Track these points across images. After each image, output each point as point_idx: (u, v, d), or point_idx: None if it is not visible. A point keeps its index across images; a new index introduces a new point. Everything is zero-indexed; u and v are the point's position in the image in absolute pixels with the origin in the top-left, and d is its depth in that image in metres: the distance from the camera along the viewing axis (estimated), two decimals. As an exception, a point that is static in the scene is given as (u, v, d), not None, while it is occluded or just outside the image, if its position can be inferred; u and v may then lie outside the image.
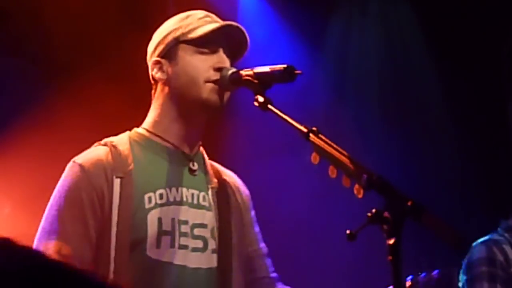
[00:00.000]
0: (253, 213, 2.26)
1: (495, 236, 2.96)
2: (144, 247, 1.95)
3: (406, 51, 4.95)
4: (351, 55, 5.02)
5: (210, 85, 2.04)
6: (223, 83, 2.04)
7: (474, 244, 2.93)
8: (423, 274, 1.76)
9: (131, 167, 2.01)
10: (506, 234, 2.95)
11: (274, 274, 2.26)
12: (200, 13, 2.16)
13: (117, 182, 1.97)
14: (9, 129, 4.27)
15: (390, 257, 1.45)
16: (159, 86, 2.13)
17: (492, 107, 4.56)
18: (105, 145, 2.05)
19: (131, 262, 1.93)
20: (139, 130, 2.13)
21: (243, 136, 4.52)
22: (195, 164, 2.11)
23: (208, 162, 2.19)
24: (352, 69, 4.98)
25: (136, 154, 2.05)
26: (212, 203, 2.09)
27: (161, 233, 1.97)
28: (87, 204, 1.95)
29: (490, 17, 4.55)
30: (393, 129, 4.75)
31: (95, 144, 2.09)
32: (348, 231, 1.50)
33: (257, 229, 2.26)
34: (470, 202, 4.50)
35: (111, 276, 1.89)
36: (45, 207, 2.02)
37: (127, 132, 2.13)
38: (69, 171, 2.02)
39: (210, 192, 2.10)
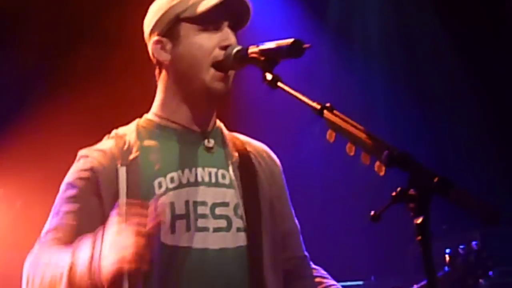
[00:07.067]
0: (285, 186, 2.16)
1: None
2: (158, 235, 1.85)
3: (415, 13, 4.84)
4: (356, 21, 4.93)
5: (215, 72, 1.94)
6: (227, 63, 1.93)
7: None
8: (462, 246, 1.66)
9: (135, 155, 1.93)
10: None
11: (304, 254, 2.19)
12: None
13: (122, 170, 1.89)
14: (18, 123, 4.26)
15: (418, 237, 1.36)
16: (163, 67, 2.02)
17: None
18: (112, 137, 2.00)
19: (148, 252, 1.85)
20: (148, 115, 2.06)
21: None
22: (211, 140, 2.01)
23: (229, 135, 2.09)
24: (358, 36, 4.89)
25: (143, 141, 1.98)
26: (234, 180, 1.98)
27: (174, 217, 1.88)
28: (91, 183, 1.90)
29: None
30: (406, 97, 4.65)
31: (106, 136, 2.02)
32: (372, 212, 1.42)
33: (289, 204, 2.16)
34: (491, 172, 4.40)
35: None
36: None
37: (137, 120, 2.06)
38: (74, 163, 1.99)
39: (231, 168, 2.00)
